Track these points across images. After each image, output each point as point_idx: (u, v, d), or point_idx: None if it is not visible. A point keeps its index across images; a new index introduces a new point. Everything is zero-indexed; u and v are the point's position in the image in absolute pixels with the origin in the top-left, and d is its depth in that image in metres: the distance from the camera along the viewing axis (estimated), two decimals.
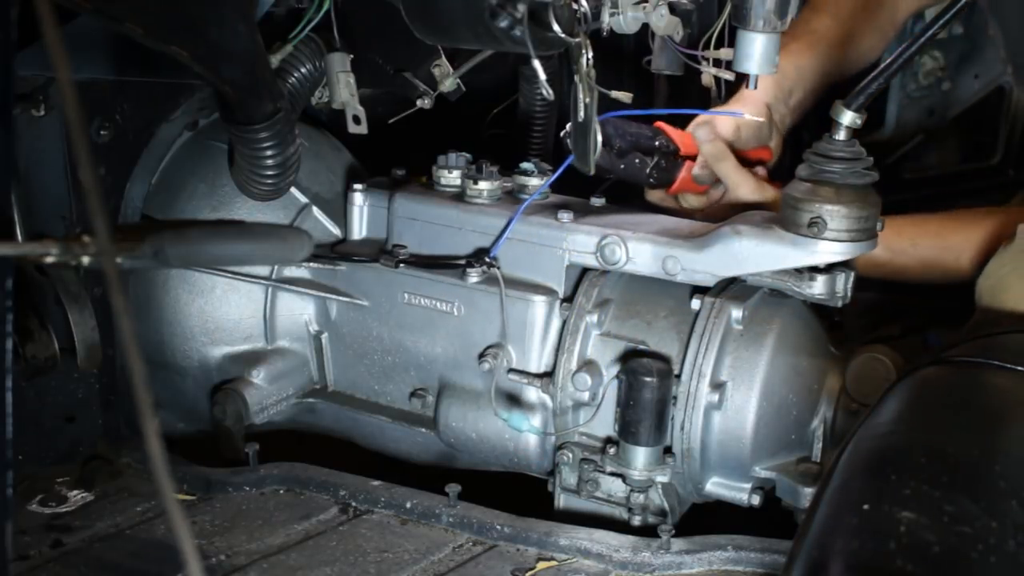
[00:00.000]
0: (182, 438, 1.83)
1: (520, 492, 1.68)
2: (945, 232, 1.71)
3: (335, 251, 1.75)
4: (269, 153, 1.58)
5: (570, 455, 1.58)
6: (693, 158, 1.72)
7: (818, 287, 1.47)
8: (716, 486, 1.56)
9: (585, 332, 1.57)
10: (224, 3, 1.38)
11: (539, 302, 1.59)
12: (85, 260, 0.78)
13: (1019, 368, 1.22)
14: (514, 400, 1.62)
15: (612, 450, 1.54)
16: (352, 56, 1.67)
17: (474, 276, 1.61)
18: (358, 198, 1.74)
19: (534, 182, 1.66)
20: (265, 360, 1.77)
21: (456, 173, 1.70)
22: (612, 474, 1.55)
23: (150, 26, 1.30)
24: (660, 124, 1.70)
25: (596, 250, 1.56)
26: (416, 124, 1.79)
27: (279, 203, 1.74)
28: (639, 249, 1.54)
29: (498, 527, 1.51)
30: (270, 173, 1.61)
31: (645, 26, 1.40)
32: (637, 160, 1.64)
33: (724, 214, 1.59)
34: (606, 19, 1.33)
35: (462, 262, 1.62)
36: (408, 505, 1.57)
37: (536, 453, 1.63)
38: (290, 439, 1.82)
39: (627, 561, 1.44)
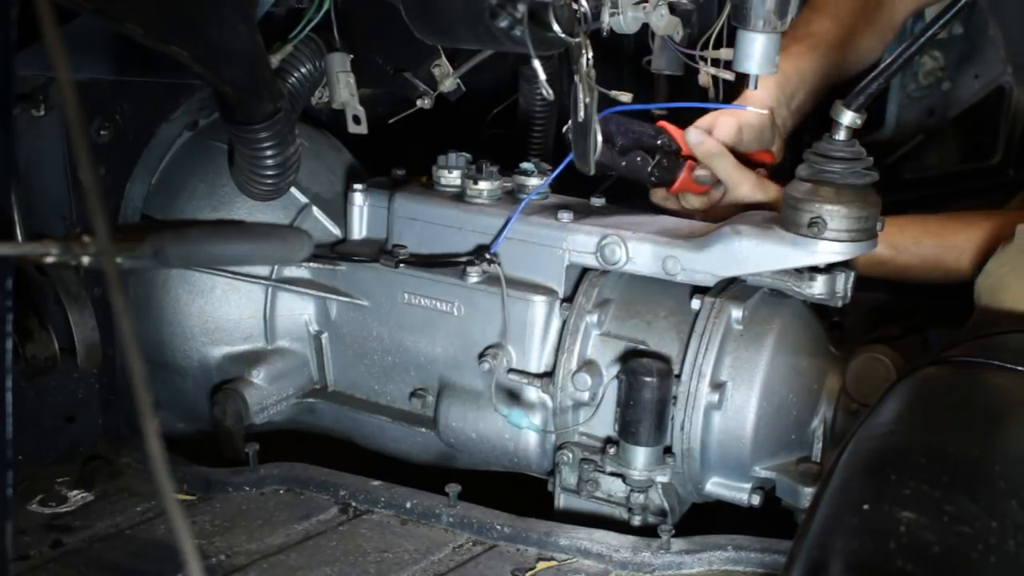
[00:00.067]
0: (182, 438, 1.83)
1: (520, 492, 1.68)
2: (948, 232, 1.71)
3: (335, 251, 1.75)
4: (269, 153, 1.58)
5: (570, 455, 1.58)
6: (695, 158, 1.71)
7: (818, 287, 1.48)
8: (716, 486, 1.56)
9: (585, 332, 1.57)
10: (224, 3, 1.38)
11: (539, 302, 1.59)
12: (85, 260, 0.78)
13: (1019, 368, 1.22)
14: (514, 399, 1.62)
15: (612, 450, 1.54)
16: (352, 56, 1.67)
17: (474, 276, 1.62)
18: (358, 198, 1.74)
19: (534, 182, 1.66)
20: (265, 360, 1.77)
21: (456, 173, 1.70)
22: (612, 474, 1.55)
23: (150, 26, 1.30)
24: (663, 123, 1.70)
25: (596, 250, 1.56)
26: (416, 124, 1.79)
27: (279, 203, 1.74)
28: (639, 249, 1.54)
29: (498, 527, 1.51)
30: (270, 173, 1.61)
31: (645, 26, 1.40)
32: (639, 158, 1.64)
33: (725, 215, 1.58)
34: (606, 19, 1.33)
35: (462, 261, 1.62)
36: (408, 505, 1.57)
37: (536, 453, 1.63)
38: (290, 439, 1.82)
39: (627, 561, 1.44)
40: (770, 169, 1.81)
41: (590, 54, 1.23)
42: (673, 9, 1.41)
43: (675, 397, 1.51)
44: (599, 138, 1.31)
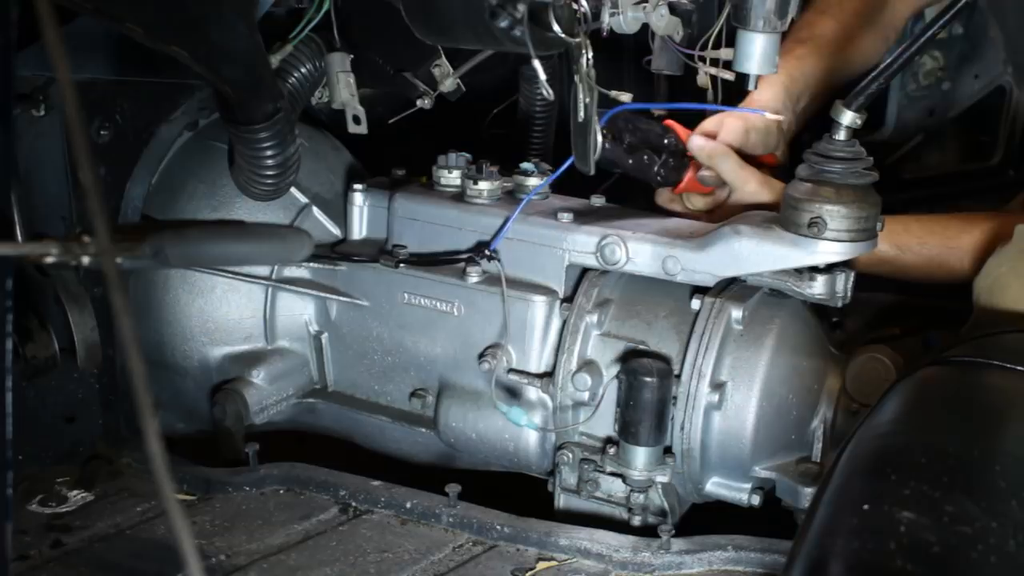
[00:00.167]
0: (182, 438, 1.83)
1: (520, 492, 1.68)
2: (951, 233, 1.71)
3: (335, 251, 1.75)
4: (269, 153, 1.58)
5: (570, 455, 1.58)
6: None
7: (818, 287, 1.47)
8: (716, 486, 1.56)
9: (585, 332, 1.57)
10: (224, 3, 1.38)
11: (539, 302, 1.59)
12: (85, 260, 0.78)
13: (1019, 368, 1.22)
14: (514, 399, 1.61)
15: (612, 450, 1.54)
16: (352, 56, 1.67)
17: (474, 276, 1.62)
18: (358, 198, 1.74)
19: (534, 182, 1.66)
20: (265, 360, 1.77)
21: (456, 173, 1.70)
22: (612, 474, 1.55)
23: (150, 26, 1.30)
24: (670, 122, 1.70)
25: (596, 250, 1.56)
26: (416, 124, 1.79)
27: (279, 203, 1.74)
28: (639, 249, 1.54)
29: (498, 527, 1.51)
30: (270, 173, 1.61)
31: (645, 26, 1.40)
32: (646, 157, 1.64)
33: (731, 215, 1.58)
34: (606, 19, 1.33)
35: (462, 261, 1.62)
36: (408, 505, 1.57)
37: (536, 453, 1.63)
38: (290, 439, 1.82)
39: (627, 561, 1.44)
40: (772, 172, 1.80)
41: (590, 54, 1.23)
42: (673, 9, 1.41)
43: (675, 397, 1.51)
44: (599, 138, 1.31)
